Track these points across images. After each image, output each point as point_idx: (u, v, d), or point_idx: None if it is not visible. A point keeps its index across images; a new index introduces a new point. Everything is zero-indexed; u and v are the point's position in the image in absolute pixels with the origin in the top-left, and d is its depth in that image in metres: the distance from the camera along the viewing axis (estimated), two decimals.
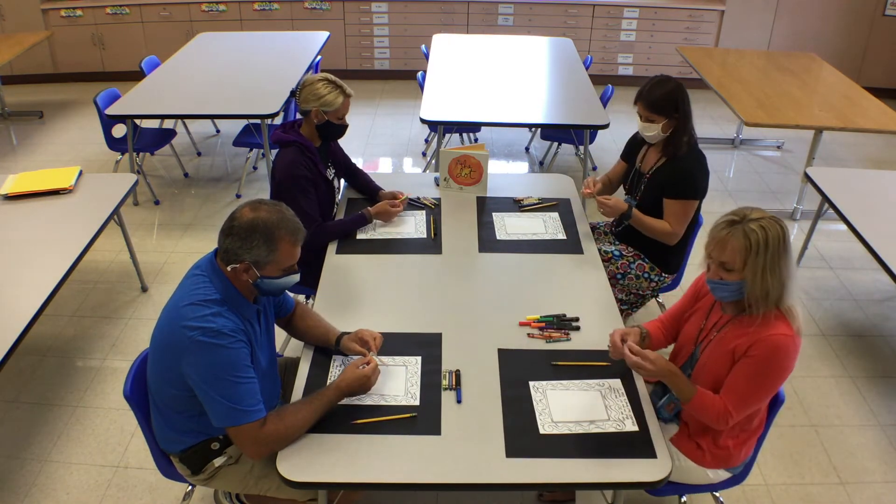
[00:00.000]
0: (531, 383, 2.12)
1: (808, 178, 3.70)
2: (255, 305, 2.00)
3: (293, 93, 2.92)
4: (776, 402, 2.06)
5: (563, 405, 2.04)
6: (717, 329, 2.06)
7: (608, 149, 5.59)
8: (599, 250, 2.91)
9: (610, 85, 4.86)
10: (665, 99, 2.73)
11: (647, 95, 2.75)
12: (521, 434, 1.94)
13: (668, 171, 2.80)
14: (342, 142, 3.07)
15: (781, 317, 1.90)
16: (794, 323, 1.90)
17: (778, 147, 5.81)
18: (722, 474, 2.12)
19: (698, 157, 2.80)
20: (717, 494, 2.29)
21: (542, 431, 1.95)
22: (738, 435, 2.06)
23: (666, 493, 2.15)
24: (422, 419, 1.99)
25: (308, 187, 2.81)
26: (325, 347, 2.25)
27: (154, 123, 5.11)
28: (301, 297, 3.24)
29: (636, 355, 1.97)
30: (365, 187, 3.18)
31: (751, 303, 1.92)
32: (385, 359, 2.17)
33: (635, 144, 3.06)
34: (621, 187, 3.17)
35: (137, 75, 5.00)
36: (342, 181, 3.23)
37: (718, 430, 2.03)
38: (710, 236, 1.95)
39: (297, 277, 2.00)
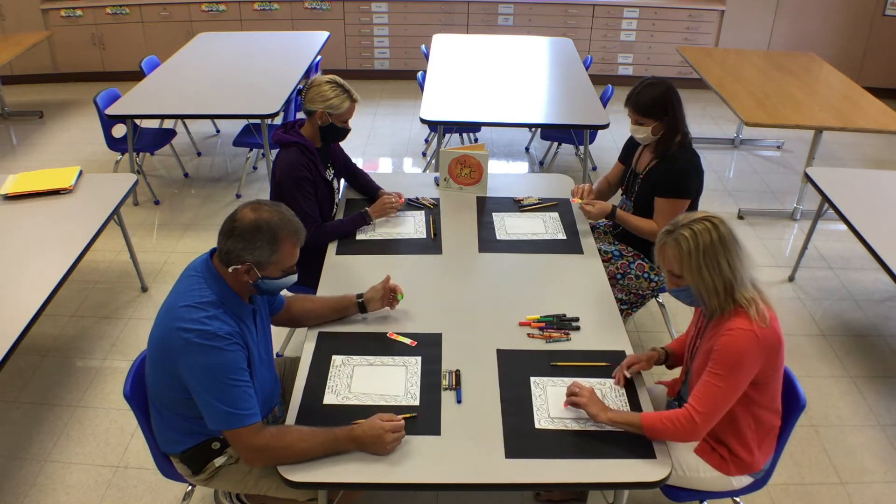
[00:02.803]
0: (532, 378, 2.13)
1: (808, 178, 3.70)
2: (250, 305, 2.00)
3: (300, 91, 2.93)
4: (797, 407, 2.04)
5: (561, 401, 2.05)
6: (700, 336, 2.09)
7: (608, 149, 5.59)
8: (599, 250, 2.91)
9: (610, 85, 4.86)
10: (654, 102, 2.73)
11: (636, 99, 2.76)
12: (520, 433, 1.95)
13: (661, 171, 2.81)
14: (342, 142, 3.07)
15: (740, 311, 1.92)
16: (753, 313, 1.90)
17: (778, 147, 5.81)
18: (745, 480, 2.12)
19: (692, 157, 2.80)
20: (738, 500, 2.29)
21: (537, 426, 1.96)
22: (750, 441, 2.06)
23: (687, 499, 2.15)
24: (422, 419, 1.99)
25: (308, 188, 2.81)
26: (335, 346, 2.25)
27: (154, 123, 5.11)
28: None
29: (571, 395, 2.01)
30: (365, 187, 3.18)
31: (704, 303, 1.98)
32: (385, 359, 2.18)
33: (632, 146, 3.06)
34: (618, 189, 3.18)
35: (137, 75, 5.00)
36: (342, 181, 3.23)
37: (730, 440, 2.04)
38: (654, 249, 2.02)
39: (295, 277, 2.01)
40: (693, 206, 2.86)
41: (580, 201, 2.92)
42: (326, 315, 2.36)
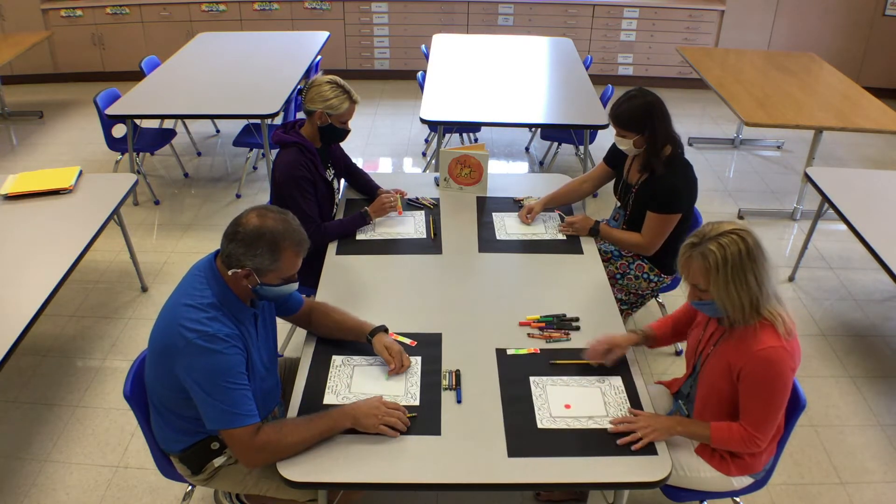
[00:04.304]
0: (531, 378, 2.13)
1: (808, 178, 3.70)
2: (251, 309, 1.99)
3: (300, 91, 2.93)
4: (797, 407, 2.04)
5: (562, 400, 2.05)
6: (713, 343, 2.07)
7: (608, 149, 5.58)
8: (599, 250, 2.91)
9: (610, 85, 4.86)
10: (632, 116, 2.70)
11: (616, 111, 2.73)
12: (521, 432, 1.95)
13: (654, 186, 2.78)
14: (342, 142, 3.07)
15: (767, 325, 1.90)
16: (781, 327, 1.89)
17: (778, 147, 5.81)
18: (745, 480, 2.12)
19: (684, 171, 2.77)
20: (738, 500, 2.29)
21: (539, 426, 1.96)
22: None
23: (687, 499, 2.15)
24: (422, 419, 1.99)
25: (308, 188, 2.81)
26: (334, 346, 2.26)
27: (154, 123, 5.11)
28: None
29: (621, 422, 1.96)
30: (365, 187, 3.18)
31: (728, 317, 1.95)
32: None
33: (619, 152, 2.99)
34: (612, 195, 3.16)
35: (137, 75, 5.00)
36: (342, 181, 3.23)
37: None
38: (677, 261, 1.98)
39: (295, 286, 2.00)
40: (685, 218, 2.84)
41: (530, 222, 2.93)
42: (341, 335, 2.28)
